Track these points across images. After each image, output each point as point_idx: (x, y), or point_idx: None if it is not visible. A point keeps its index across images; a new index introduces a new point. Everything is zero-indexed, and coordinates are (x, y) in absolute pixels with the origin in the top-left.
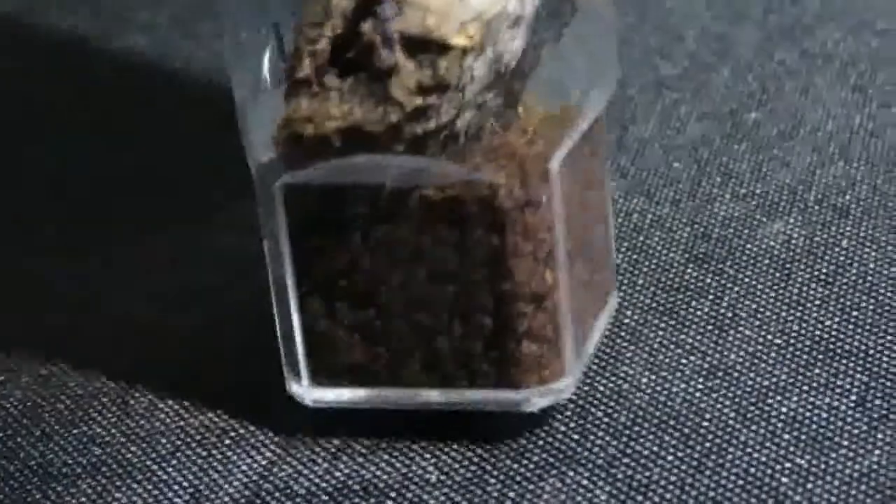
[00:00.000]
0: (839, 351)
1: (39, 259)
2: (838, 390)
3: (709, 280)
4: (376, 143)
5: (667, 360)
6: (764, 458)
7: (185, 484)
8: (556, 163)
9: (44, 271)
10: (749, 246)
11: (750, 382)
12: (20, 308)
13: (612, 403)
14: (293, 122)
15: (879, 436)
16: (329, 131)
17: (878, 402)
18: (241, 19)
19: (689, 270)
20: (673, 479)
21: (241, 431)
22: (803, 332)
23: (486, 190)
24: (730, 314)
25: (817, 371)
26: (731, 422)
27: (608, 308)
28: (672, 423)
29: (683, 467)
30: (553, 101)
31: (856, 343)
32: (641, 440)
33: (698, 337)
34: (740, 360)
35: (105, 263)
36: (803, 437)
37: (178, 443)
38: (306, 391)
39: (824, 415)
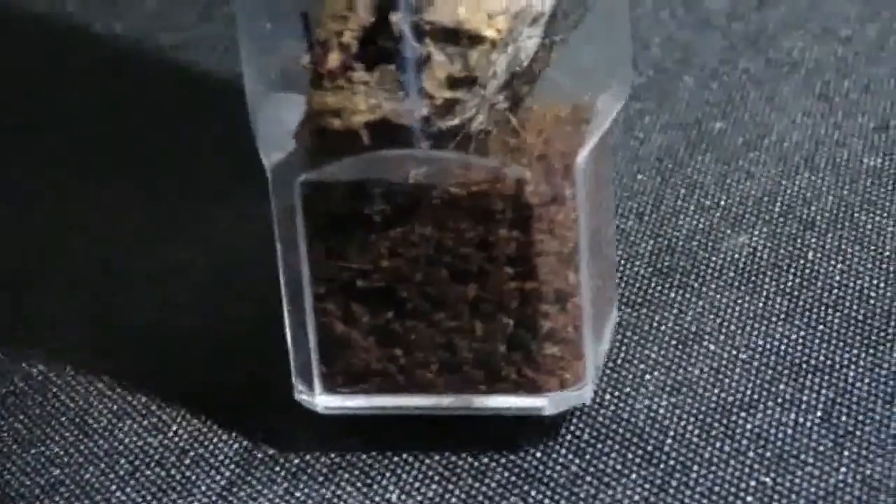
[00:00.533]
0: (805, 366)
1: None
2: (804, 406)
3: (673, 294)
4: (404, 137)
5: (630, 376)
6: (728, 477)
7: None
8: (582, 159)
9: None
10: (714, 259)
11: (714, 398)
12: None
13: (574, 420)
14: (319, 116)
15: (846, 453)
16: (356, 125)
17: (843, 418)
18: (254, 14)
19: (652, 284)
20: (636, 498)
21: (201, 451)
22: (769, 346)
23: (512, 185)
24: (694, 328)
25: (782, 387)
26: (695, 439)
27: (614, 314)
28: (635, 440)
29: (647, 486)
30: (560, 102)
31: (821, 357)
32: (605, 458)
33: (662, 352)
34: (704, 375)
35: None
36: (768, 454)
37: (137, 463)
38: (318, 398)
39: (790, 431)
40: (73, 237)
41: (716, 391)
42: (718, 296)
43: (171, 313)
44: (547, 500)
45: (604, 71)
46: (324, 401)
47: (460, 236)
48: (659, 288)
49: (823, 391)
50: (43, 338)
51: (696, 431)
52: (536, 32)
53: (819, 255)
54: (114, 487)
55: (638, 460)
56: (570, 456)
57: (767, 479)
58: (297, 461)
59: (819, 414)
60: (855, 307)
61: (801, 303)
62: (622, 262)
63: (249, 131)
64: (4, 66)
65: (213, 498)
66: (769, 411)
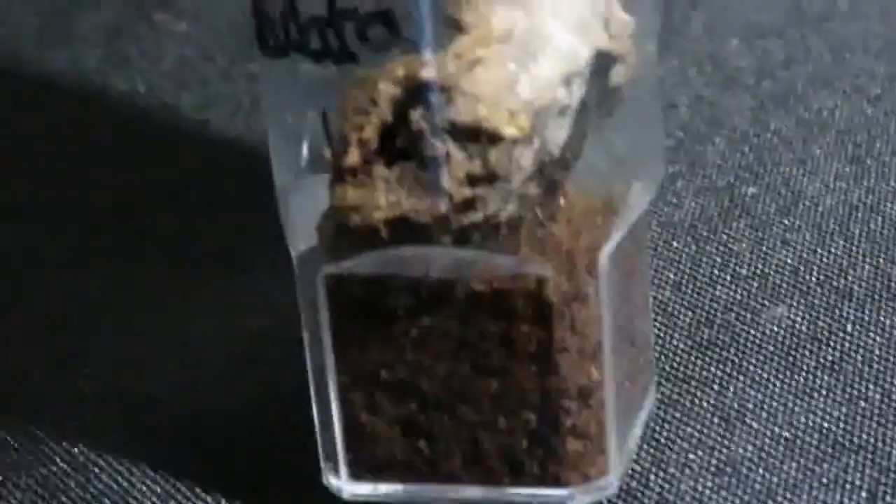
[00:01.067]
0: (848, 444)
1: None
2: (848, 486)
3: (713, 369)
4: (424, 235)
5: (674, 456)
6: None
7: None
8: (605, 256)
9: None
10: (752, 332)
11: (759, 479)
12: None
13: (620, 503)
14: (339, 212)
15: None
16: (376, 221)
17: (889, 498)
18: (284, 103)
19: (692, 358)
20: None
21: None
22: (811, 424)
23: (533, 283)
24: (736, 405)
25: (826, 466)
26: None
27: (648, 402)
28: None
29: None
30: (595, 192)
31: (864, 436)
32: None
33: (705, 430)
34: (748, 454)
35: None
36: None
37: None
38: (344, 484)
39: None
40: (101, 313)
41: (760, 472)
42: (759, 370)
43: (203, 391)
44: None
45: (636, 161)
46: (350, 488)
47: (482, 331)
48: (699, 362)
49: (867, 471)
50: (85, 417)
51: None
52: (565, 123)
53: (858, 327)
54: None
55: None
56: None
57: None
58: None
59: (864, 495)
60: (895, 382)
61: (841, 377)
62: (660, 334)
63: (273, 201)
64: (20, 125)
65: None
66: (814, 492)
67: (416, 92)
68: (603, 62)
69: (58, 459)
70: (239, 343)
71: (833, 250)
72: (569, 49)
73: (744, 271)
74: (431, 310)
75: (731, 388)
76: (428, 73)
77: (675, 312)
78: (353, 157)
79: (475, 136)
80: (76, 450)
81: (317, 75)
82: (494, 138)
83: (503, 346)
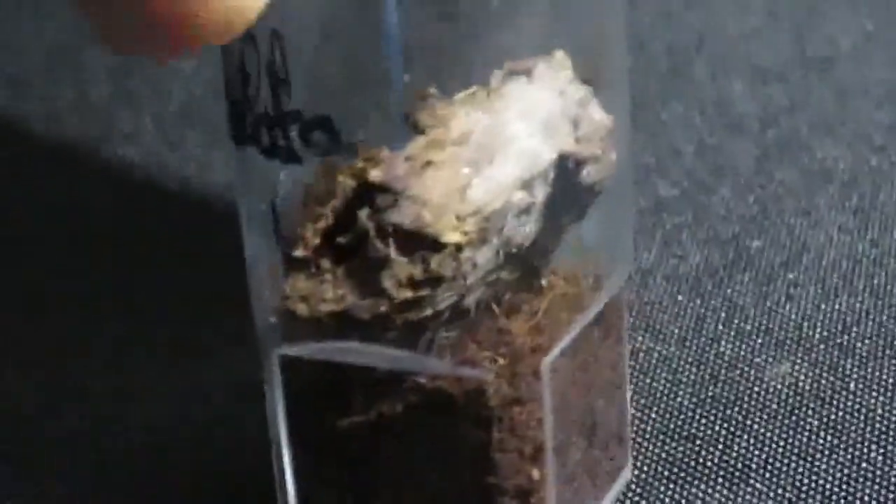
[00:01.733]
0: None
1: None
2: None
3: (717, 427)
4: (366, 331)
5: None
6: None
7: None
8: (549, 362)
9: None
10: (756, 389)
11: None
12: None
13: None
14: (288, 300)
15: None
16: (322, 314)
17: None
18: (253, 181)
19: (697, 416)
20: None
21: None
22: (813, 485)
23: (474, 384)
24: (740, 465)
25: None
26: None
27: (618, 484)
28: None
29: None
30: (578, 275)
31: (865, 499)
32: None
33: (710, 491)
34: None
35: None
36: None
37: None
38: None
39: None
40: (68, 388)
41: None
42: (763, 429)
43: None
44: None
45: (605, 253)
46: None
47: (425, 426)
48: (704, 421)
49: None
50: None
51: None
52: (531, 219)
53: (861, 385)
54: None
55: None
56: None
57: None
58: None
59: None
60: None
61: (844, 438)
62: (665, 391)
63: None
64: (21, 160)
65: None
66: None
67: (364, 191)
68: (570, 164)
69: None
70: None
71: (837, 306)
72: (530, 152)
73: (748, 327)
74: (379, 398)
75: (736, 448)
76: (376, 173)
77: (680, 369)
78: (303, 248)
79: (418, 241)
80: None
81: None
82: (436, 245)
83: (444, 441)
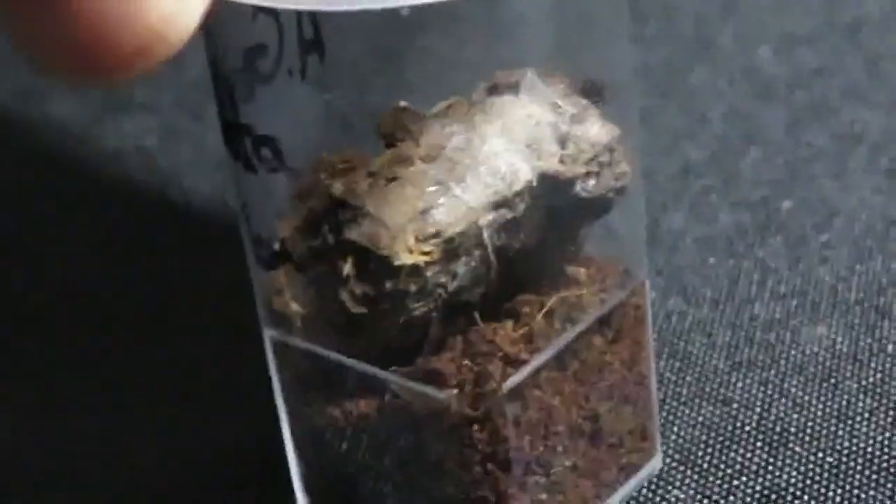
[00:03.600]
0: (892, 470)
1: None
2: None
3: (754, 391)
4: (337, 335)
5: (718, 483)
6: None
7: None
8: (512, 383)
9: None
10: (793, 352)
11: None
12: None
13: None
14: (269, 291)
15: None
16: (292, 314)
17: None
18: (251, 187)
19: (733, 380)
20: None
21: None
22: (854, 448)
23: (435, 401)
24: (778, 429)
25: (872, 493)
26: None
27: (637, 478)
28: None
29: None
30: (604, 269)
31: None
32: None
33: (748, 455)
34: (793, 480)
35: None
36: None
37: None
38: None
39: None
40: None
41: (805, 498)
42: (800, 392)
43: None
44: None
45: (620, 260)
46: None
47: (396, 430)
48: (740, 384)
49: None
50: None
51: None
52: (522, 230)
53: None
54: None
55: None
56: None
57: None
58: None
59: None
60: None
61: (884, 400)
62: (700, 354)
63: None
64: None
65: None
66: None
67: (330, 207)
68: (555, 181)
69: None
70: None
71: (871, 268)
72: (507, 170)
73: (782, 289)
74: (356, 393)
75: (773, 412)
76: (338, 188)
77: (714, 331)
78: (277, 245)
79: (372, 260)
80: None
81: None
82: (389, 270)
83: (412, 450)
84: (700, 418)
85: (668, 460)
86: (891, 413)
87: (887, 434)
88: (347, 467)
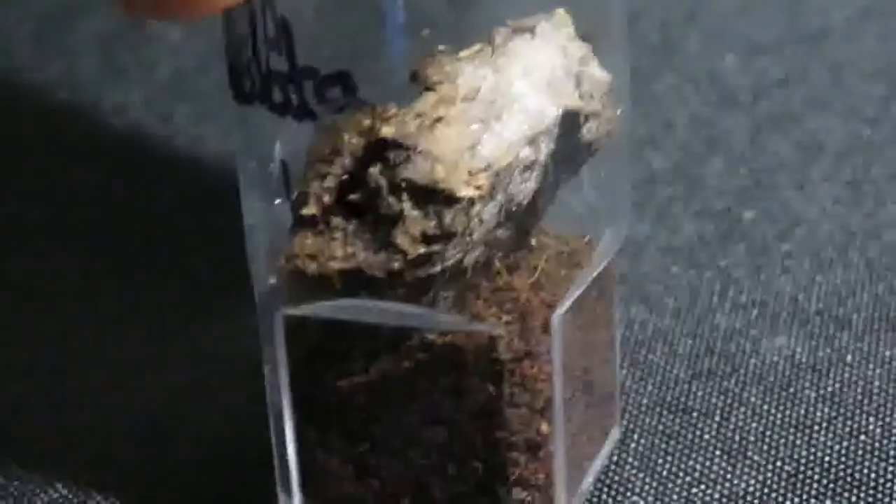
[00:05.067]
0: (849, 479)
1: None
2: None
3: (714, 400)
4: (377, 288)
5: (677, 490)
6: None
7: None
8: (559, 315)
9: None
10: (753, 361)
11: None
12: None
13: None
14: (296, 259)
15: None
16: (331, 272)
17: None
18: (253, 143)
19: (693, 389)
20: None
21: None
22: (812, 457)
23: (484, 339)
24: (737, 437)
25: (829, 502)
26: None
27: (609, 442)
28: None
29: None
30: (566, 235)
31: (864, 471)
32: None
33: (707, 463)
34: (751, 489)
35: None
36: None
37: None
38: None
39: None
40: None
41: None
42: (760, 402)
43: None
44: None
45: (603, 213)
46: None
47: (433, 382)
48: (700, 393)
49: None
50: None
51: None
52: (533, 176)
53: (858, 358)
54: None
55: None
56: None
57: None
58: None
59: None
60: (895, 416)
61: (842, 410)
62: (661, 363)
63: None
64: (7, 133)
65: None
66: None
67: (375, 148)
68: (573, 120)
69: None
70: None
71: (831, 278)
72: (535, 109)
73: (743, 298)
74: (385, 357)
75: (733, 420)
76: (387, 130)
77: (675, 341)
78: (312, 206)
79: (431, 196)
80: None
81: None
82: (450, 199)
83: (452, 397)
84: (661, 427)
85: (627, 468)
86: (848, 423)
87: (845, 443)
88: (363, 447)
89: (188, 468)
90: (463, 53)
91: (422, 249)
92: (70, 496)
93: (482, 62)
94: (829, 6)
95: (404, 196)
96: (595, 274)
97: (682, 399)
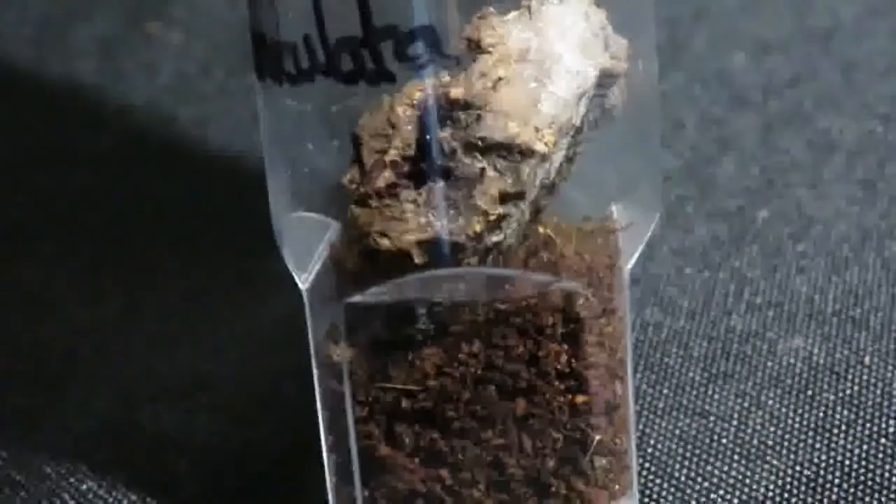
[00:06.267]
0: (870, 483)
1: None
2: None
3: (731, 403)
4: (455, 256)
5: (695, 495)
6: None
7: None
8: (628, 270)
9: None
10: (770, 363)
11: None
12: None
13: None
14: (367, 236)
15: None
16: (407, 244)
17: None
18: (284, 134)
19: (710, 392)
20: None
21: None
22: (831, 461)
23: (560, 299)
24: (756, 441)
25: None
26: None
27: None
28: None
29: None
30: (573, 216)
31: (885, 475)
32: None
33: (725, 468)
34: (771, 494)
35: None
36: None
37: None
38: None
39: None
40: (108, 346)
41: None
42: (778, 405)
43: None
44: None
45: (627, 182)
46: None
47: (509, 352)
48: (717, 396)
49: None
50: (94, 454)
51: None
52: (565, 145)
53: (875, 359)
54: None
55: None
56: None
57: None
58: None
59: None
60: None
61: (861, 412)
62: (676, 366)
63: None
64: (8, 137)
65: None
66: None
67: (442, 111)
68: (604, 82)
69: (66, 497)
70: (251, 377)
71: (847, 278)
72: (579, 69)
73: (758, 300)
74: (456, 334)
75: (751, 424)
76: (457, 91)
77: (691, 343)
78: (382, 179)
79: (508, 152)
80: (85, 486)
81: (317, 106)
82: (527, 153)
83: (530, 365)
84: (677, 431)
85: (645, 473)
86: (868, 425)
87: (864, 447)
88: (426, 432)
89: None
90: (509, 16)
91: (500, 209)
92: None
93: (524, 25)
94: (836, 4)
95: (478, 156)
96: (647, 237)
97: (699, 402)
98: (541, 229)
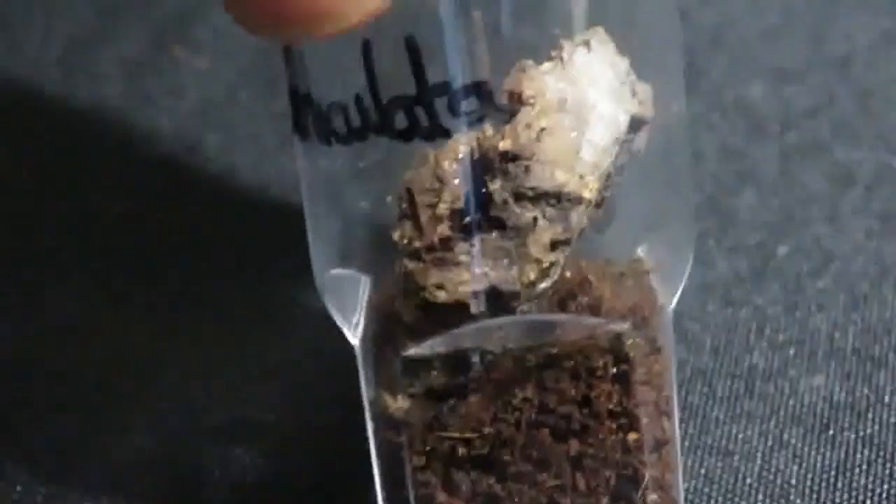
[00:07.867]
0: None
1: None
2: None
3: (755, 442)
4: (509, 305)
5: None
6: None
7: None
8: (671, 308)
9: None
10: (791, 402)
11: None
12: None
13: None
14: (423, 290)
15: None
16: (464, 296)
17: None
18: (330, 195)
19: (733, 431)
20: None
21: None
22: (853, 501)
23: (608, 340)
24: (779, 481)
25: None
26: None
27: None
28: None
29: None
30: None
31: None
32: None
33: None
34: None
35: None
36: None
37: None
38: None
39: None
40: (142, 379)
41: None
42: (800, 444)
43: (251, 467)
44: None
45: (657, 222)
46: None
47: (561, 395)
48: (740, 435)
49: None
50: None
51: None
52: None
53: (895, 397)
54: None
55: None
56: None
57: None
58: None
59: None
60: None
61: (881, 452)
62: (701, 405)
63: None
64: (35, 163)
65: None
66: None
67: (489, 164)
68: (633, 127)
69: None
70: (287, 410)
71: (867, 315)
72: (611, 116)
73: (780, 337)
74: (510, 380)
75: (774, 463)
76: (506, 143)
77: (714, 381)
78: (432, 235)
79: (557, 200)
80: None
81: (358, 166)
82: (575, 201)
83: (582, 406)
84: (702, 470)
85: None
86: (888, 465)
87: (885, 486)
88: (484, 478)
89: None
90: (543, 67)
91: (552, 257)
92: None
93: (559, 75)
94: (853, 30)
95: (528, 205)
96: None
97: (723, 442)
98: (567, 273)
